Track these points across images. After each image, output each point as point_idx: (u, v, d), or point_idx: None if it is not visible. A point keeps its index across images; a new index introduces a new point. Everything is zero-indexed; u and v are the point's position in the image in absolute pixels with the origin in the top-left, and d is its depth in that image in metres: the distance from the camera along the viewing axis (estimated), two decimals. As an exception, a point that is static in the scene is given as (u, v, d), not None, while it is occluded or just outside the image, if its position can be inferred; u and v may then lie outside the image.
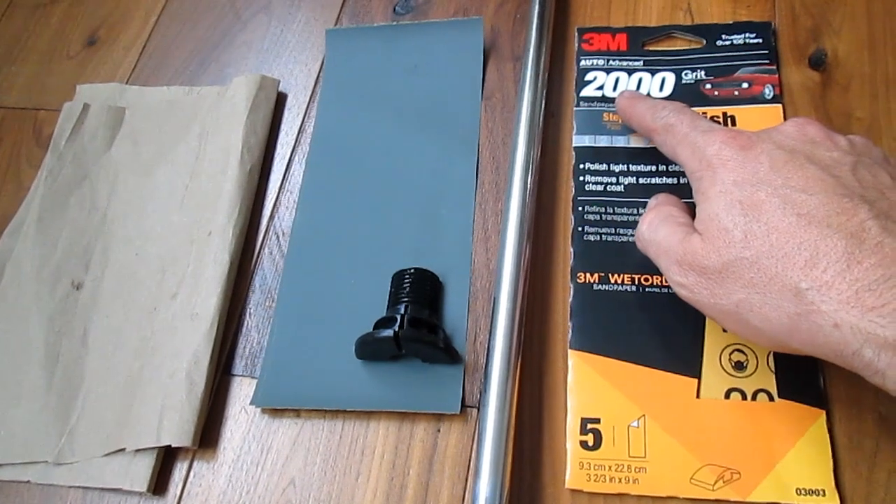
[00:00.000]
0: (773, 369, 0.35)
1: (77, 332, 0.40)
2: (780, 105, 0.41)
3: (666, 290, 0.37)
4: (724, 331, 0.36)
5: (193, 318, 0.39)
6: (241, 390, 0.38)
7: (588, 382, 0.36)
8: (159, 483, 0.36)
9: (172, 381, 0.37)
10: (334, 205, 0.43)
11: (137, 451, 0.36)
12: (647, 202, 0.37)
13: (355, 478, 0.35)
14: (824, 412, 0.33)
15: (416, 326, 0.36)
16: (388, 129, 0.45)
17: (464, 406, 0.36)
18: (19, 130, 0.49)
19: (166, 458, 0.37)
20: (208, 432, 0.37)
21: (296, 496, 0.35)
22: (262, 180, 0.45)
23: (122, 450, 0.36)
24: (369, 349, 0.37)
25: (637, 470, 0.33)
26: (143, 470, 0.36)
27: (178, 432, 0.36)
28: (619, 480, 0.33)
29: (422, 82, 0.46)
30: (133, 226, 0.43)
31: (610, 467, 0.33)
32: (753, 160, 0.30)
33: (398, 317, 0.36)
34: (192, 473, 0.36)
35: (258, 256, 0.42)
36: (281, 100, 0.47)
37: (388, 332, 0.35)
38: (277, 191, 0.44)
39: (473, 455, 0.35)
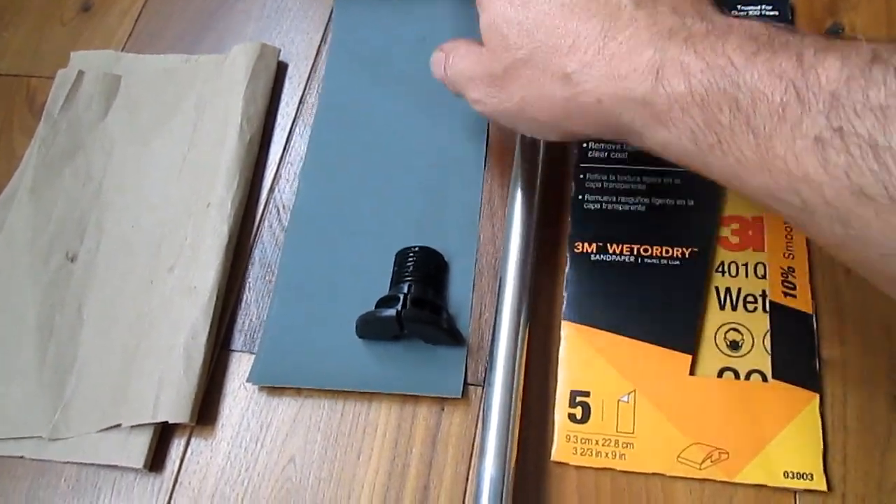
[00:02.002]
0: (768, 350, 0.34)
1: (71, 305, 0.39)
2: (794, 80, 0.40)
3: (665, 262, 0.36)
4: (721, 308, 0.35)
5: (191, 292, 0.38)
6: (241, 366, 0.37)
7: (580, 355, 0.35)
8: (156, 459, 0.35)
9: (169, 355, 0.36)
10: (338, 178, 0.42)
11: (134, 426, 0.35)
12: (652, 169, 0.37)
13: (356, 456, 0.35)
14: (818, 395, 0.33)
15: (419, 306, 0.35)
16: (396, 102, 0.43)
17: (467, 385, 0.35)
18: (12, 98, 0.48)
19: (164, 435, 0.36)
20: (207, 408, 0.36)
21: (296, 474, 0.34)
22: (262, 152, 0.43)
23: (118, 426, 0.35)
24: (371, 328, 0.36)
25: (624, 445, 0.33)
26: (139, 446, 0.35)
27: (175, 408, 0.35)
28: (606, 455, 0.33)
29: (430, 55, 0.45)
30: (129, 197, 0.42)
31: (597, 441, 0.33)
32: None
33: (401, 296, 0.35)
34: (189, 450, 0.36)
35: (258, 229, 0.41)
36: (281, 69, 0.46)
37: (391, 312, 0.34)
38: (278, 163, 0.43)
39: (478, 434, 0.34)
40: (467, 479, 0.33)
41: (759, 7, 0.42)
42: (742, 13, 0.42)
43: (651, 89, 0.26)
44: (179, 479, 0.35)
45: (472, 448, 0.34)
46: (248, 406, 0.36)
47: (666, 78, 0.25)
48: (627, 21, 0.27)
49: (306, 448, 0.35)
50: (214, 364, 0.37)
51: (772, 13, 0.42)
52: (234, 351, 0.38)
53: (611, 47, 0.27)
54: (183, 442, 0.36)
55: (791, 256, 0.36)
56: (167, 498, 0.35)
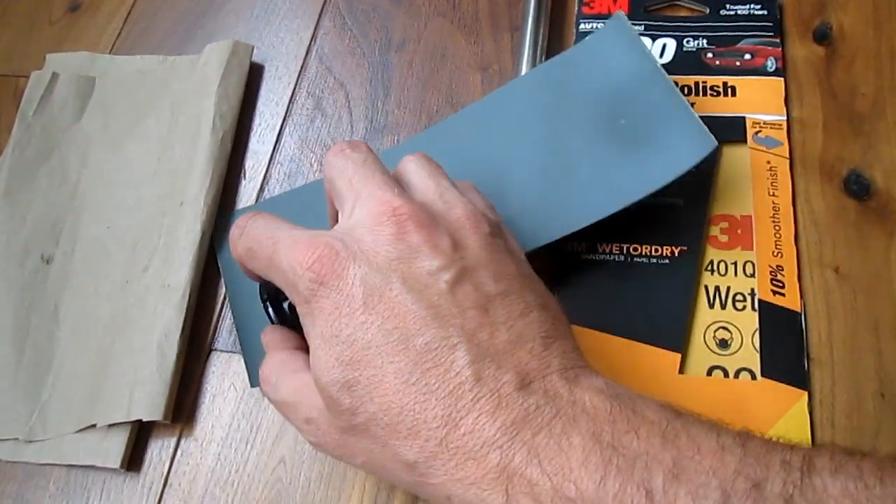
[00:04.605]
0: (757, 348, 0.34)
1: (47, 307, 0.39)
2: (782, 78, 0.40)
3: (654, 261, 0.36)
4: (711, 307, 0.35)
5: (165, 290, 0.38)
6: (231, 367, 0.37)
7: None
8: (141, 460, 0.35)
9: (143, 354, 0.36)
10: None
11: (111, 427, 0.35)
12: None
13: (347, 456, 0.34)
14: (806, 393, 0.33)
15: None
16: None
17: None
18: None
19: (152, 436, 0.36)
20: (196, 409, 0.36)
21: (286, 475, 0.34)
22: (249, 151, 0.43)
23: (94, 426, 0.35)
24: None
25: None
26: (115, 446, 0.35)
27: (149, 406, 0.35)
28: None
29: None
30: (104, 198, 0.42)
31: None
32: (347, 298, 0.26)
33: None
34: (179, 451, 0.36)
35: (247, 230, 0.41)
36: (257, 67, 0.46)
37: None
38: (268, 163, 0.43)
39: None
40: (457, 478, 0.33)
41: (747, 6, 0.42)
42: (731, 12, 0.42)
43: None
44: (169, 481, 0.35)
45: (463, 448, 0.34)
46: (238, 407, 0.36)
47: (516, 496, 0.23)
48: (470, 403, 0.24)
49: (296, 449, 0.35)
50: (203, 365, 0.37)
51: (760, 12, 0.42)
52: (222, 351, 0.38)
53: (454, 439, 0.24)
54: (172, 443, 0.36)
55: (780, 255, 0.36)
56: (157, 499, 0.35)
